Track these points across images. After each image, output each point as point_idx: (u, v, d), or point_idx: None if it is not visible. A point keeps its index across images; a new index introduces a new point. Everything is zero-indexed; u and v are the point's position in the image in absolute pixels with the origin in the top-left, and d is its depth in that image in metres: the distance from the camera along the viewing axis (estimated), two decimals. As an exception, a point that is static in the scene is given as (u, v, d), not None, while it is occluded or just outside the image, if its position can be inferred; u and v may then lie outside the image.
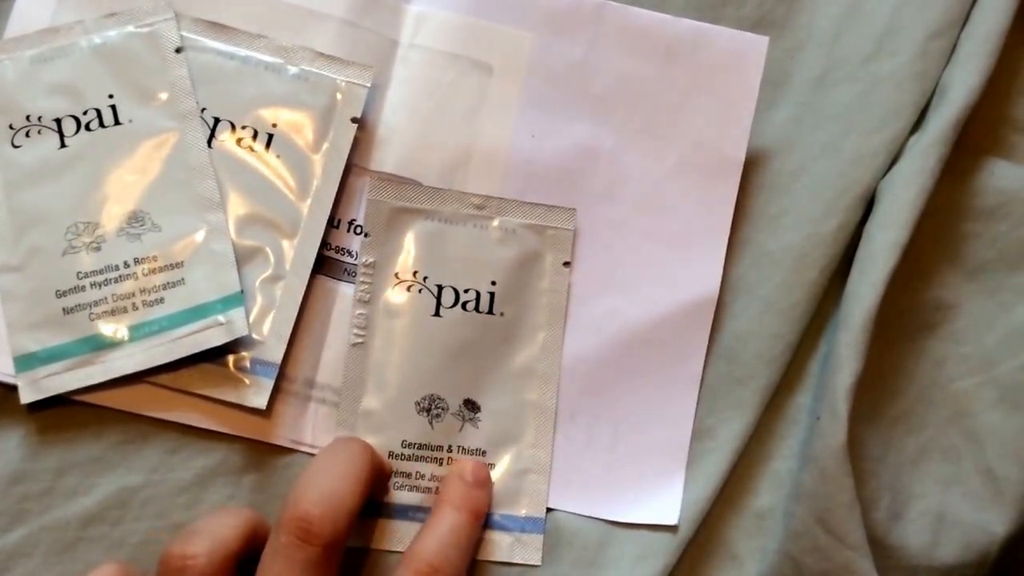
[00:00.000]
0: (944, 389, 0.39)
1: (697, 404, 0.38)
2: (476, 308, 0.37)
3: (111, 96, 0.37)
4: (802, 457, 0.36)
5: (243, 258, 0.36)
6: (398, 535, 0.35)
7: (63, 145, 0.36)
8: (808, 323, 0.38)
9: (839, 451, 0.34)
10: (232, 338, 0.35)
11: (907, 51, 0.40)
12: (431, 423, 0.36)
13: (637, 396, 0.38)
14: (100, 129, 0.36)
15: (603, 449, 0.37)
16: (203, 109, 0.37)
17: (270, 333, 0.36)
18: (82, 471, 0.35)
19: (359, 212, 0.38)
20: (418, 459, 0.36)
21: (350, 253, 0.37)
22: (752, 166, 0.40)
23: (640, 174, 0.39)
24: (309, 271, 0.36)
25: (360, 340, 0.36)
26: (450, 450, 0.36)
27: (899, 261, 0.37)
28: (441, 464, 0.36)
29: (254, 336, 0.35)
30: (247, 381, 0.35)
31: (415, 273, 0.37)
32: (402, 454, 0.36)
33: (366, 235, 0.37)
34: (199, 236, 0.36)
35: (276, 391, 0.36)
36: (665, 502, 0.37)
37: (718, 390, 0.38)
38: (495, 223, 0.38)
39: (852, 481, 0.34)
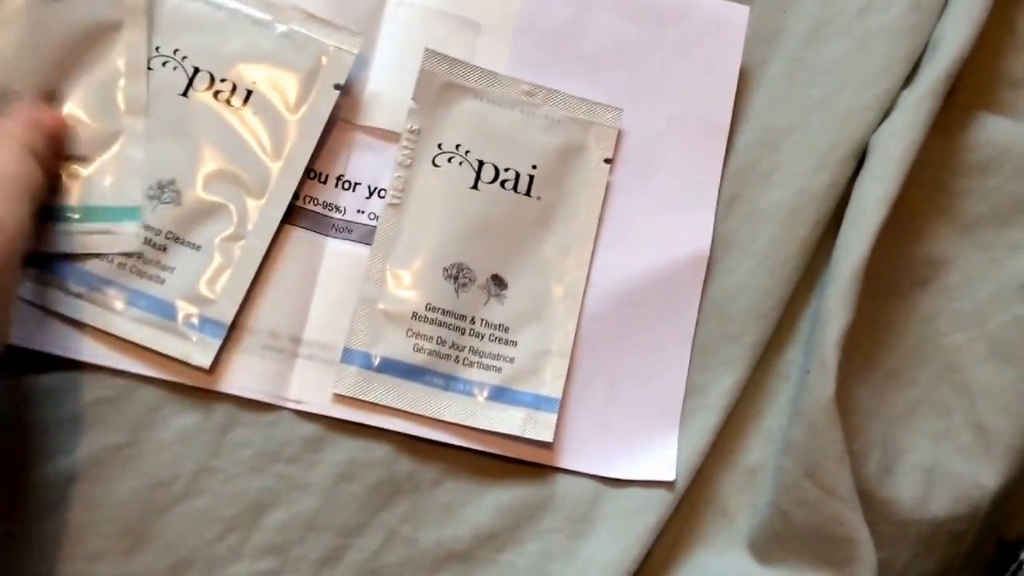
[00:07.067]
0: (935, 344, 0.39)
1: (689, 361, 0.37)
2: (514, 188, 0.37)
3: None
4: (792, 412, 0.36)
5: (205, 213, 0.35)
6: (415, 397, 0.36)
7: None
8: (799, 279, 0.38)
9: (828, 404, 0.34)
10: (117, 251, 0.34)
11: (900, 5, 0.40)
12: (457, 291, 0.36)
13: (631, 353, 0.37)
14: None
15: (597, 405, 0.37)
16: (184, 57, 0.36)
17: (223, 293, 0.35)
18: (63, 429, 0.34)
19: (346, 167, 0.37)
20: (440, 324, 0.36)
21: (338, 208, 0.37)
22: (744, 122, 0.40)
23: (630, 134, 0.39)
24: (272, 233, 0.36)
25: (397, 201, 0.37)
26: (473, 321, 0.36)
27: (889, 214, 0.36)
28: (463, 334, 0.36)
29: (207, 294, 0.35)
30: (193, 338, 0.34)
31: (458, 146, 0.37)
32: (425, 316, 0.36)
33: (415, 102, 0.37)
34: (116, 138, 0.35)
35: (261, 347, 0.35)
36: (660, 458, 0.36)
37: (709, 347, 0.37)
38: (542, 111, 0.38)
39: (841, 434, 0.34)
